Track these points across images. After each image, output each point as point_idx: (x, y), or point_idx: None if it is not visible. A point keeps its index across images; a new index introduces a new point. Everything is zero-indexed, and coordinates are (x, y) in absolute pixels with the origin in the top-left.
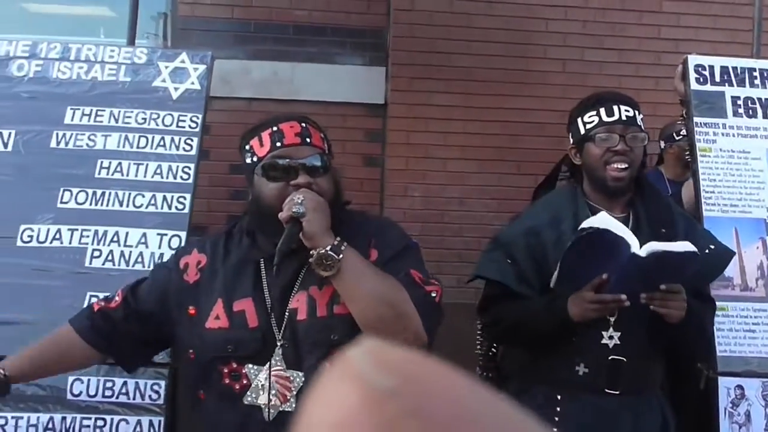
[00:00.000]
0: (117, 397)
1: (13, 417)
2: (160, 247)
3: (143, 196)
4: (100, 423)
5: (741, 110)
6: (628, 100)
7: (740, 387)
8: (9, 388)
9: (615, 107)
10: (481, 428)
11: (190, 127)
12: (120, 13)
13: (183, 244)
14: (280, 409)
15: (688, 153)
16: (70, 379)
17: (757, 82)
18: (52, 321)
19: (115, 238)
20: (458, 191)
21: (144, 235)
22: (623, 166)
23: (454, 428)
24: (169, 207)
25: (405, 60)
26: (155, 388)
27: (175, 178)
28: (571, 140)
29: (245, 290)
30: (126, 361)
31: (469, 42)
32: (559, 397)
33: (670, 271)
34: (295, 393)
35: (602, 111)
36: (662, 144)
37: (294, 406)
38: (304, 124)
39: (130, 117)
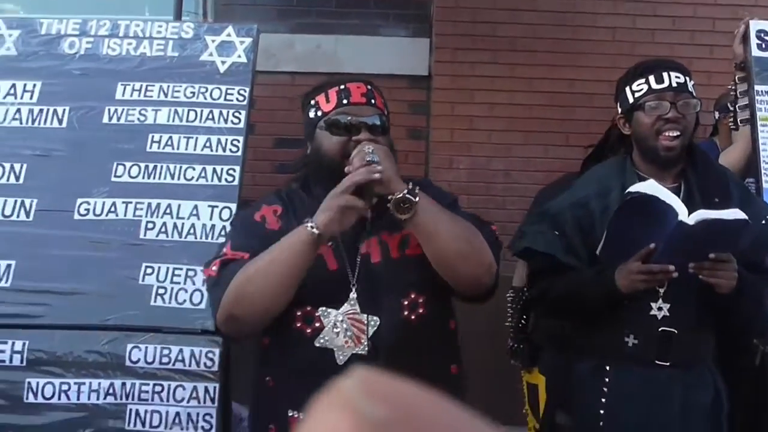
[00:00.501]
0: (173, 365)
1: (75, 383)
2: (211, 219)
3: (194, 169)
4: (158, 389)
5: None
6: (678, 66)
7: None
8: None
9: (665, 74)
10: None
11: (237, 100)
12: None
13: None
14: (354, 351)
15: (732, 121)
16: (129, 346)
17: None
18: (108, 292)
19: (168, 211)
20: (503, 163)
21: (195, 207)
22: (675, 134)
23: None
24: (219, 179)
25: (449, 30)
26: (209, 355)
27: (224, 150)
28: (620, 110)
29: None
30: None
31: (514, 11)
32: (608, 368)
33: (721, 241)
34: (369, 336)
35: (651, 78)
36: (717, 114)
37: (367, 349)
38: (369, 87)
39: (179, 91)
